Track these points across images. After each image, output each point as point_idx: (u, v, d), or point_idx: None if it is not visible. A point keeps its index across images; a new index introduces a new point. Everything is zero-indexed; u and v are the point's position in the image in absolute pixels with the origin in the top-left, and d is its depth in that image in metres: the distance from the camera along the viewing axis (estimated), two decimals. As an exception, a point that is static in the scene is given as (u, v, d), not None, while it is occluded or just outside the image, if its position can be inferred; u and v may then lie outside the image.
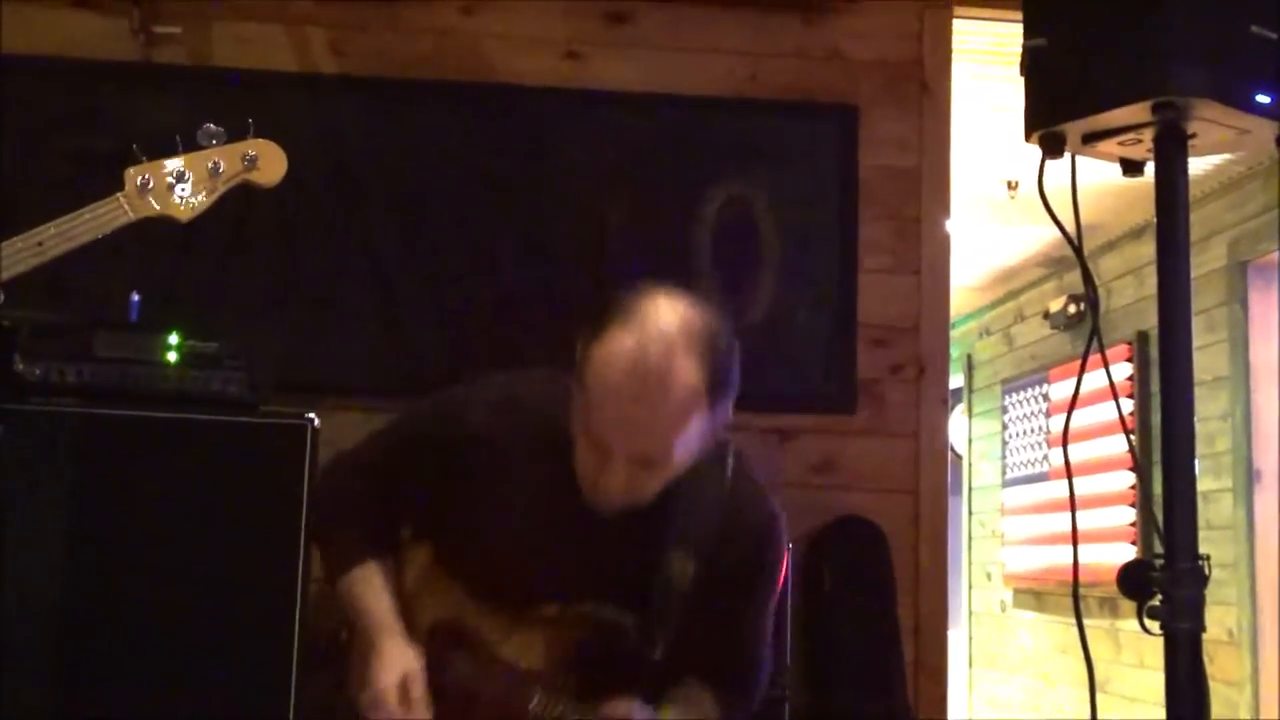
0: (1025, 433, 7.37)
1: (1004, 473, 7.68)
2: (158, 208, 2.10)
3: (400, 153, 3.60)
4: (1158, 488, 1.80)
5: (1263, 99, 1.75)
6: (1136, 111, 1.77)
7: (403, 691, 1.84)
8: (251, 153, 2.12)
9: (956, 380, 8.21)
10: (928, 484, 3.69)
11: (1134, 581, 1.76)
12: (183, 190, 2.11)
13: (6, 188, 3.29)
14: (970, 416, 8.40)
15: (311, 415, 2.75)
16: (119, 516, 2.72)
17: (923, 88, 3.78)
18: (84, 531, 2.71)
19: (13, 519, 2.64)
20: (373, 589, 1.95)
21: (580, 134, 3.65)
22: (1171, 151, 1.80)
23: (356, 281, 3.53)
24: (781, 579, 2.00)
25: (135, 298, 2.90)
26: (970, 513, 8.38)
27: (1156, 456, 1.82)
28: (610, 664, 1.84)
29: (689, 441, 1.74)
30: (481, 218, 3.59)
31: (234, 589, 2.71)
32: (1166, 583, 1.73)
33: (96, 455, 2.73)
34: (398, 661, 1.87)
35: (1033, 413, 7.26)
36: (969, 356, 8.35)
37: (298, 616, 2.65)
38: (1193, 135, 1.80)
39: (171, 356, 2.84)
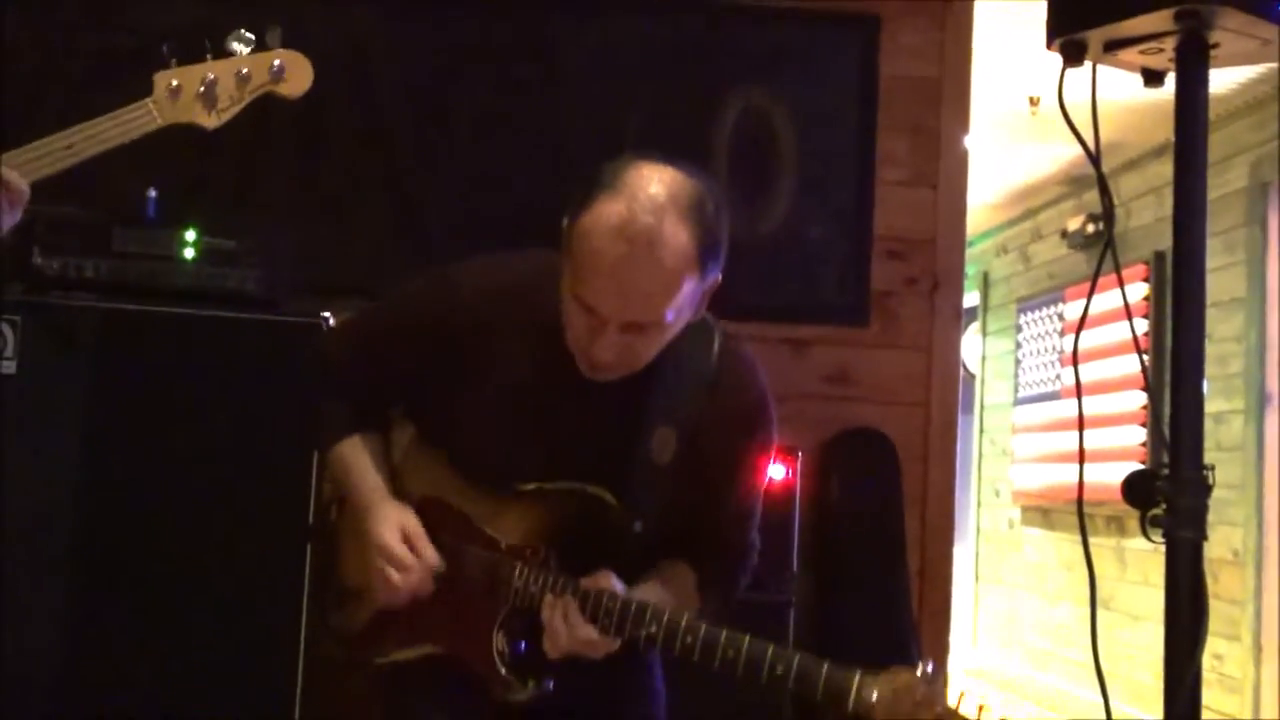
0: (1039, 351, 7.37)
1: (1016, 391, 7.69)
2: (186, 115, 2.10)
3: (418, 56, 3.58)
4: (1169, 408, 1.81)
5: (1287, 9, 1.74)
6: (1159, 19, 1.75)
7: (406, 541, 1.87)
8: (279, 63, 2.12)
9: (972, 298, 8.19)
10: (939, 398, 3.70)
11: (1138, 490, 1.78)
12: (210, 98, 2.10)
13: (31, 82, 3.28)
14: (984, 334, 8.39)
15: (327, 314, 2.77)
16: (135, 409, 2.76)
17: (946, -2, 3.74)
18: (100, 423, 2.75)
19: (30, 409, 2.67)
20: (364, 458, 1.97)
21: (600, 41, 3.62)
22: (1193, 61, 1.79)
23: (374, 184, 3.53)
24: (770, 459, 2.01)
25: (153, 193, 2.91)
26: (981, 430, 8.41)
27: (1169, 377, 1.82)
28: (593, 539, 1.85)
29: (680, 307, 1.75)
30: (500, 123, 3.58)
31: (248, 483, 2.75)
32: (1170, 491, 1.74)
33: (113, 349, 2.76)
34: (394, 516, 1.90)
35: (1047, 332, 7.25)
36: (985, 274, 8.33)
37: (311, 509, 2.69)
38: (1215, 45, 1.78)
39: (189, 253, 2.86)
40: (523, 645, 1.87)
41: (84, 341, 2.75)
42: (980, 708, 1.63)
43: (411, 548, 1.88)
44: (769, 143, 3.60)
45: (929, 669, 1.65)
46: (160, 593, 2.72)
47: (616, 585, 1.81)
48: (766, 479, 2.00)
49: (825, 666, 1.67)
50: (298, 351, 2.73)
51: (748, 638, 1.73)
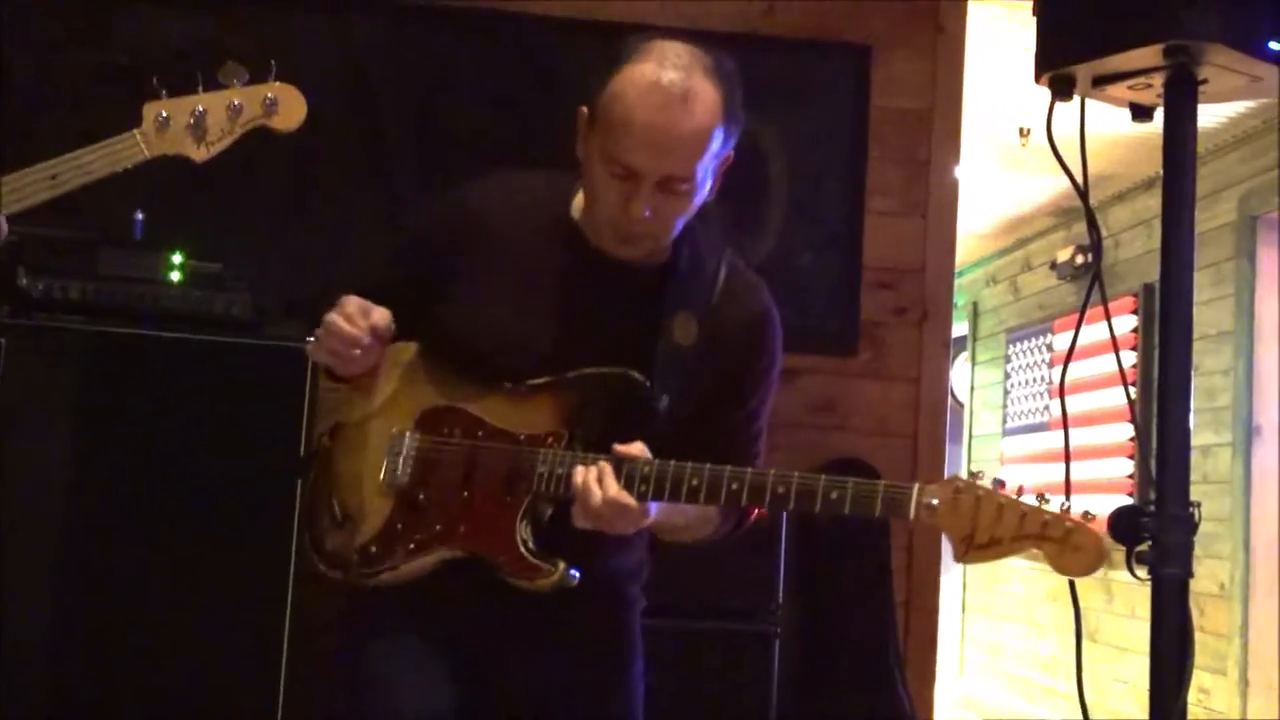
0: (1027, 382, 7.38)
1: (1004, 422, 7.70)
2: (174, 146, 2.08)
3: (417, 79, 3.58)
4: (1156, 442, 1.81)
5: (1276, 45, 1.74)
6: (1148, 55, 1.76)
7: (360, 309, 1.83)
8: (271, 96, 2.10)
9: (961, 328, 8.20)
10: (927, 429, 3.70)
11: (1124, 526, 1.78)
12: (200, 130, 2.09)
13: (21, 103, 3.27)
14: (973, 364, 8.40)
15: (313, 339, 2.76)
16: (120, 432, 2.75)
17: (937, 29, 3.75)
18: (86, 445, 2.74)
19: (15, 432, 2.66)
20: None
21: (598, 66, 3.61)
22: (1181, 96, 1.79)
23: (367, 205, 3.52)
24: (777, 379, 2.00)
25: (139, 216, 2.91)
26: (969, 461, 8.40)
27: (1157, 410, 1.82)
28: (617, 422, 1.83)
29: (707, 167, 1.79)
30: (497, 146, 3.57)
31: (233, 506, 2.74)
32: (1156, 528, 1.74)
33: (99, 372, 2.75)
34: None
35: (1036, 363, 7.27)
36: (974, 304, 8.34)
37: (294, 534, 2.68)
38: (1204, 81, 1.79)
39: (175, 276, 2.85)
40: (547, 531, 1.82)
41: (69, 363, 2.74)
42: (1040, 494, 1.67)
43: (364, 312, 1.84)
44: (760, 172, 3.60)
45: (976, 470, 1.71)
46: (145, 612, 2.71)
47: (649, 455, 1.78)
48: (770, 402, 2.00)
49: (881, 484, 1.70)
50: (282, 376, 2.73)
51: (796, 474, 1.73)
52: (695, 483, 1.74)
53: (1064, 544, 1.64)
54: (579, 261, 1.88)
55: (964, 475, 1.69)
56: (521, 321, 1.88)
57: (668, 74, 1.76)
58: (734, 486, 1.74)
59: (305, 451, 2.64)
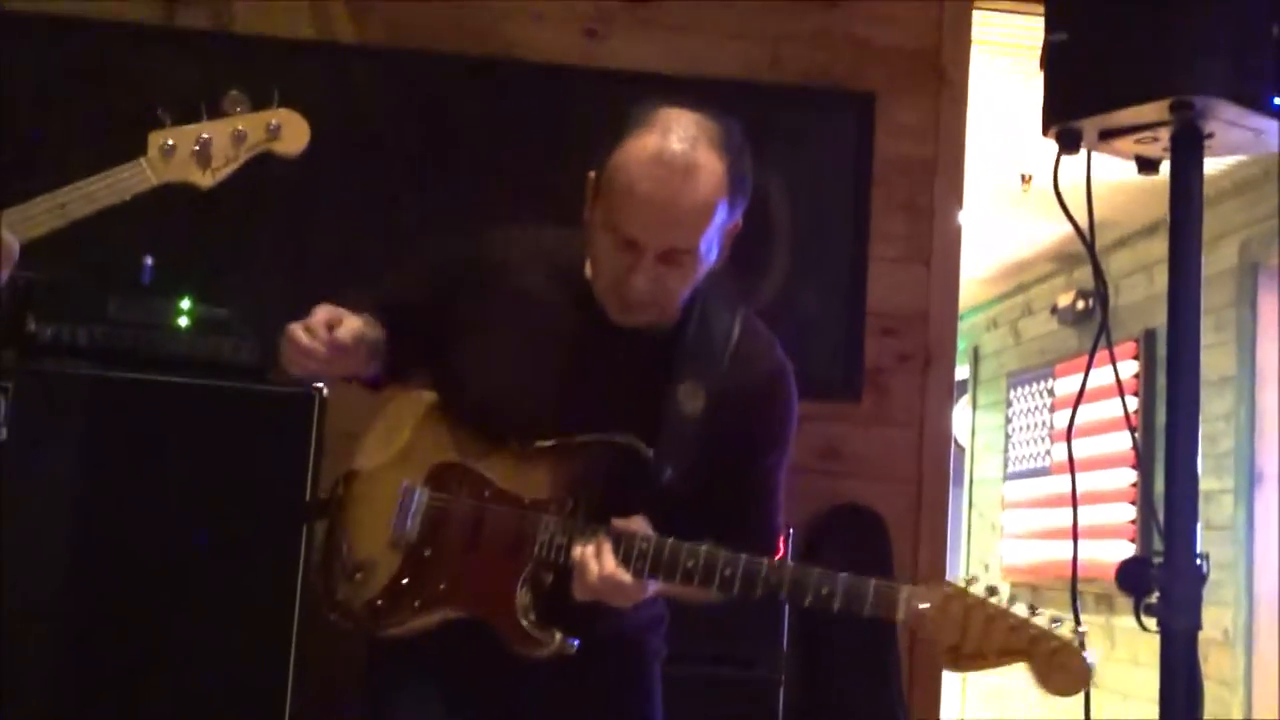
0: (1029, 427, 7.38)
1: (1006, 466, 7.69)
2: (180, 174, 2.09)
3: (418, 126, 3.59)
4: (1159, 486, 1.81)
5: (1281, 101, 1.76)
6: (1154, 110, 1.77)
7: (327, 320, 1.83)
8: (275, 122, 2.12)
9: (962, 372, 8.21)
10: (930, 474, 3.70)
11: (1132, 578, 1.78)
12: (205, 157, 2.10)
13: (26, 145, 3.29)
14: (974, 408, 8.40)
15: (320, 385, 2.77)
16: (127, 478, 2.75)
17: (940, 77, 3.77)
18: (92, 490, 2.73)
19: (23, 476, 2.65)
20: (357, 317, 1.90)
21: (599, 113, 3.63)
22: (1187, 151, 1.81)
23: (372, 253, 3.53)
24: (792, 436, 2.01)
25: (148, 261, 2.92)
26: (970, 505, 8.39)
27: (1160, 454, 1.82)
28: (620, 491, 1.83)
29: (711, 239, 1.79)
30: (499, 194, 3.59)
31: (237, 553, 2.73)
32: (1165, 580, 1.75)
33: (106, 417, 2.75)
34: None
35: (1037, 407, 7.27)
36: (975, 348, 8.35)
37: (299, 581, 2.68)
38: (1209, 135, 1.81)
39: (183, 321, 2.86)
40: (548, 598, 1.83)
41: (76, 409, 2.75)
42: (1031, 607, 1.65)
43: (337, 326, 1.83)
44: (763, 218, 3.61)
45: (970, 576, 1.70)
46: (150, 658, 2.71)
47: (649, 530, 1.79)
48: (788, 458, 2.00)
49: (872, 583, 1.69)
50: (290, 421, 2.74)
51: (791, 564, 1.74)
52: (690, 564, 1.75)
53: (1050, 662, 1.62)
54: (589, 323, 1.88)
55: (958, 580, 1.69)
56: (529, 381, 1.89)
57: (672, 146, 1.75)
58: (728, 572, 1.75)
59: (312, 497, 2.65)
